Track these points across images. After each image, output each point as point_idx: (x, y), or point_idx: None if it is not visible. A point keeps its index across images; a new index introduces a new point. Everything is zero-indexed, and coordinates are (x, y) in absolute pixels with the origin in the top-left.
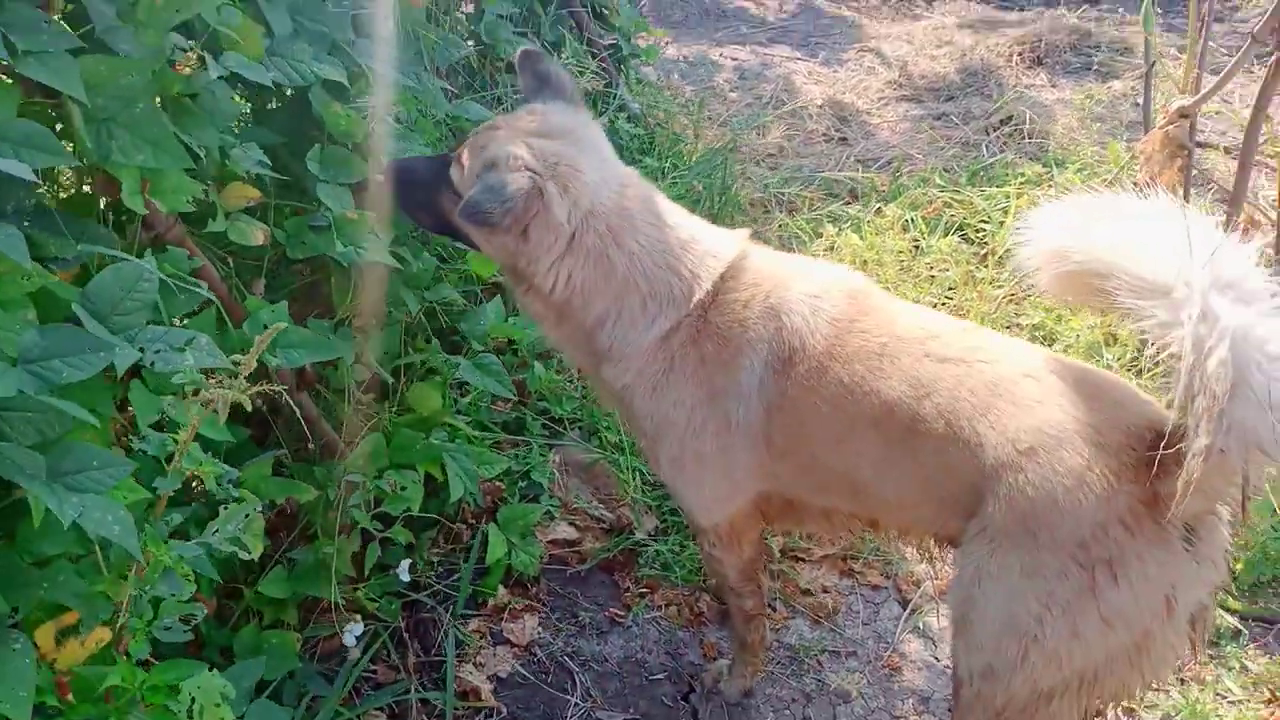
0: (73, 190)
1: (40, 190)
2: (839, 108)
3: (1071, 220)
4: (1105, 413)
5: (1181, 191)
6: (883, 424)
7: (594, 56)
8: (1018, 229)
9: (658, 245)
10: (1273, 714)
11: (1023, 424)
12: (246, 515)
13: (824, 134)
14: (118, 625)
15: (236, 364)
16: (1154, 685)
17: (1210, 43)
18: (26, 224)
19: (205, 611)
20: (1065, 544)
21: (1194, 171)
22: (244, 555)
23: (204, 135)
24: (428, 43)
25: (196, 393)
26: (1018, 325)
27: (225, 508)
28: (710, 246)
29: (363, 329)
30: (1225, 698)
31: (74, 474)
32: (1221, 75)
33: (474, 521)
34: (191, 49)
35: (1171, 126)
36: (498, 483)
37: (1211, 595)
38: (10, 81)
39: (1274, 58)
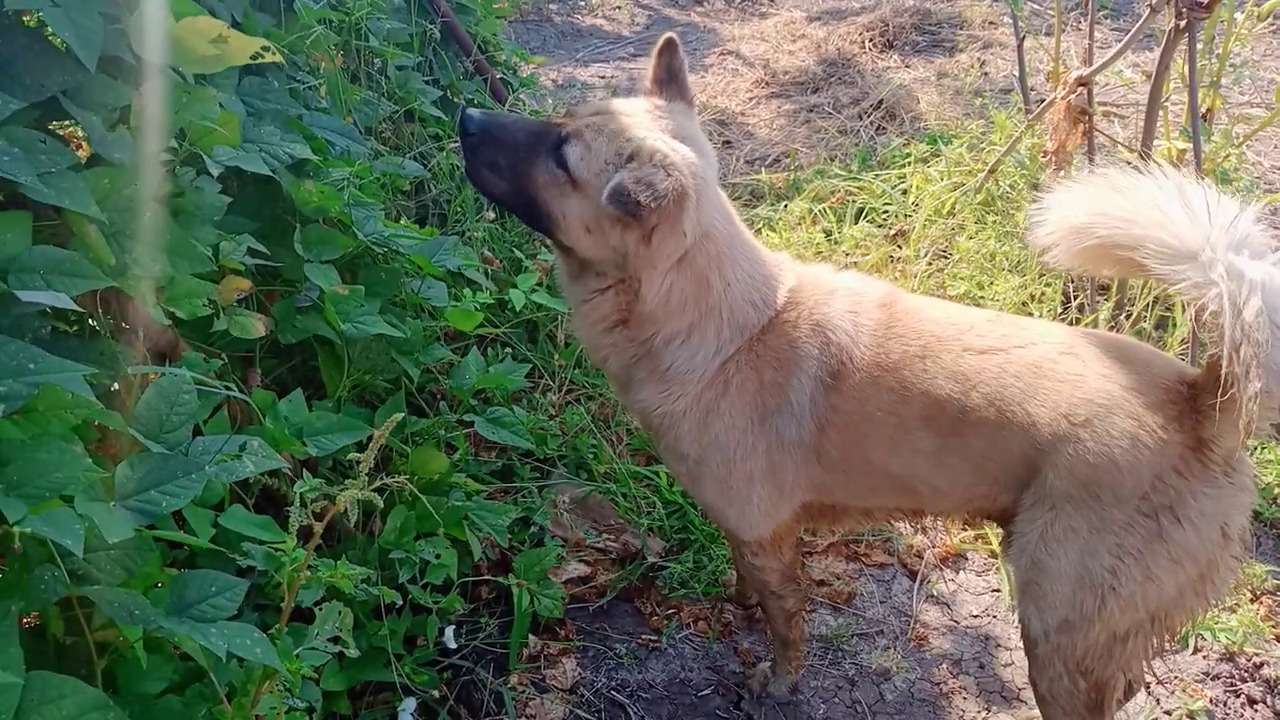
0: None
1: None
2: (715, 112)
3: (1089, 200)
4: (1140, 374)
5: (1087, 153)
6: (934, 421)
7: (497, 97)
8: (1033, 211)
9: (748, 278)
10: (1263, 604)
11: (1073, 398)
12: (339, 613)
13: (708, 139)
14: None
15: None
16: (1216, 607)
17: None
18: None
19: None
20: (1129, 499)
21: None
22: (350, 653)
23: (204, 234)
24: (353, 103)
25: (316, 499)
26: (944, 294)
27: (320, 608)
28: (779, 276)
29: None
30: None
31: (198, 604)
32: (1120, 46)
33: (489, 576)
34: (181, 148)
35: (1073, 95)
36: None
37: (1249, 516)
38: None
39: (1170, 25)
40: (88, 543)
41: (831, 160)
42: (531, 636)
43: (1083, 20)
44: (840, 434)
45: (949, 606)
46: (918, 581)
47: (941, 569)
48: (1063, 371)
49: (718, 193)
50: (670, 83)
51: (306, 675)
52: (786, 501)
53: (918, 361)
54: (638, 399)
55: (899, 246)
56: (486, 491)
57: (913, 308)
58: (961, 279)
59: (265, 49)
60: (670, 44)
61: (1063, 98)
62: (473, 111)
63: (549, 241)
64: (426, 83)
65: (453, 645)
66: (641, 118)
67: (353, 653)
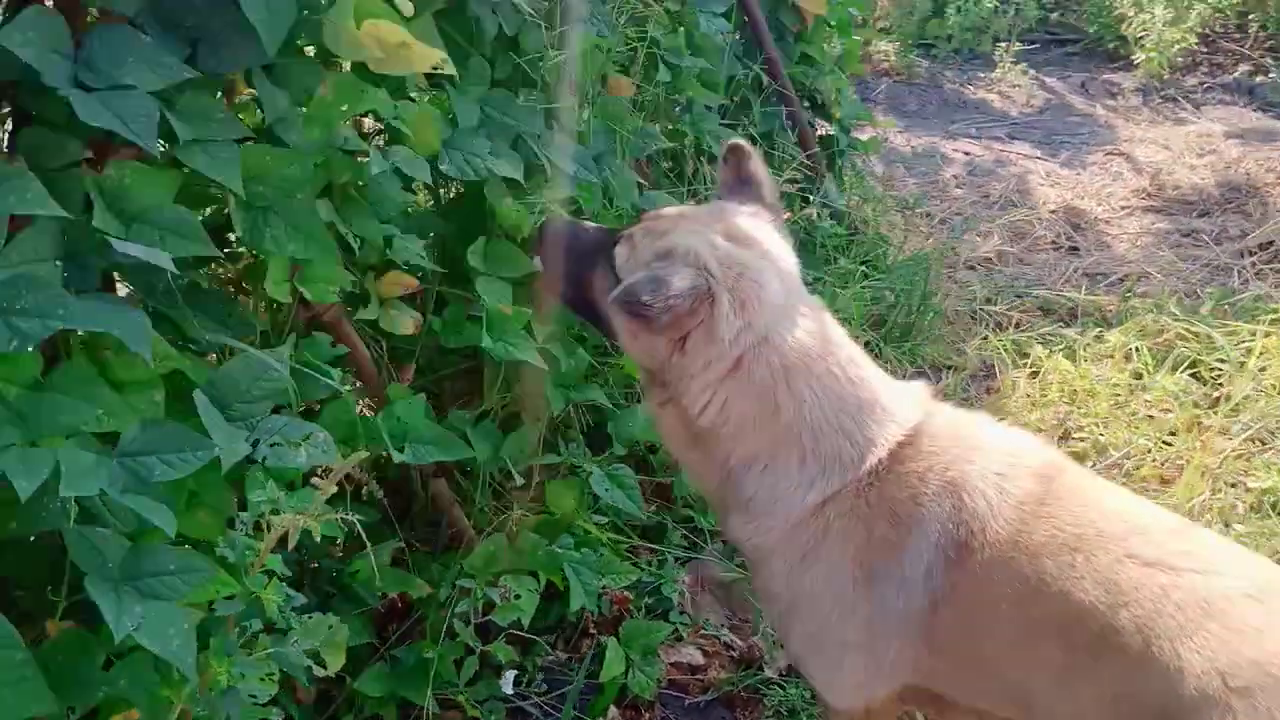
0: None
1: (200, 271)
2: (1074, 214)
3: None
4: None
5: None
6: (1069, 631)
7: (805, 150)
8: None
9: (834, 399)
10: None
11: (1238, 655)
12: (330, 627)
13: (1052, 241)
14: None
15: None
16: None
17: None
18: (175, 305)
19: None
20: None
21: None
22: (320, 671)
23: (365, 226)
24: (623, 134)
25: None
26: (1243, 486)
27: (307, 617)
28: (892, 409)
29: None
30: None
31: (147, 577)
32: None
33: (595, 632)
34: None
35: None
36: (626, 593)
37: None
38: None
39: None
40: None
41: (1184, 297)
42: (613, 709)
43: None
44: (955, 618)
45: None
46: None
47: None
48: (1238, 617)
49: (792, 293)
50: (743, 189)
51: (257, 683)
52: (884, 680)
53: (1066, 553)
54: (728, 528)
55: (1214, 413)
56: (625, 545)
57: (1078, 486)
58: (1274, 471)
59: (444, 61)
60: (735, 149)
61: None
62: (552, 219)
63: None
64: (728, 126)
65: (509, 690)
66: (697, 218)
67: (320, 671)
